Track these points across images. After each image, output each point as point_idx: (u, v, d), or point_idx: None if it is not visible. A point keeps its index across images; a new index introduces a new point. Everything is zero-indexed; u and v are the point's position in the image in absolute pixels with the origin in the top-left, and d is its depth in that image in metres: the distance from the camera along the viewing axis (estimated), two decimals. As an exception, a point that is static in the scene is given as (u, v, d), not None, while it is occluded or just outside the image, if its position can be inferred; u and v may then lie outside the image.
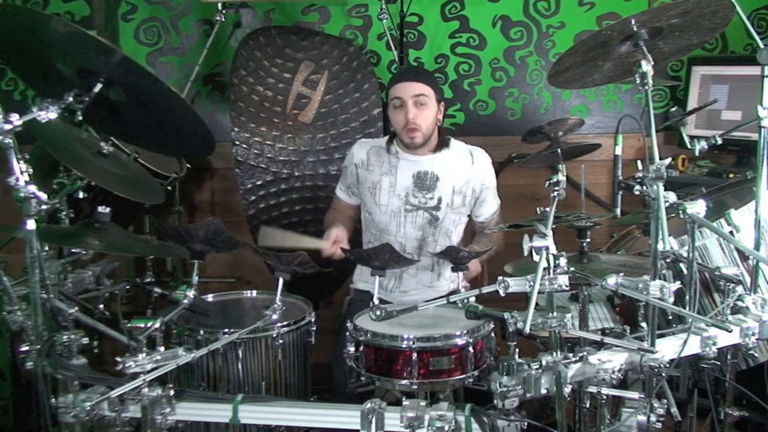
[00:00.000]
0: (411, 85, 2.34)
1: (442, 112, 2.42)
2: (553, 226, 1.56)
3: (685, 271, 1.71)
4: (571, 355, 1.50)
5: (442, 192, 2.42)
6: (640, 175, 1.55)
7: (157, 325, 1.56)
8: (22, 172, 1.46)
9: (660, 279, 1.51)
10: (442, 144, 2.44)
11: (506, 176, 3.21)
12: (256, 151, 2.89)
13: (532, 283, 1.46)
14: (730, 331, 1.59)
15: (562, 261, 1.49)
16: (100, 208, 1.79)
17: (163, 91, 1.63)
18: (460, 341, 1.76)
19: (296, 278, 1.88)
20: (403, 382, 1.74)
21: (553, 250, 1.46)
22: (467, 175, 2.46)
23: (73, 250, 1.98)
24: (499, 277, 1.53)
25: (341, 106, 2.96)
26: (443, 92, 2.48)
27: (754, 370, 1.97)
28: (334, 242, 2.30)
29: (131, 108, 1.68)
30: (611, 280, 1.53)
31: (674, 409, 1.70)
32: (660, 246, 1.52)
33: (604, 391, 1.63)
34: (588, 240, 1.88)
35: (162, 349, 1.59)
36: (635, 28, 1.62)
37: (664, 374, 1.54)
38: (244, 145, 2.88)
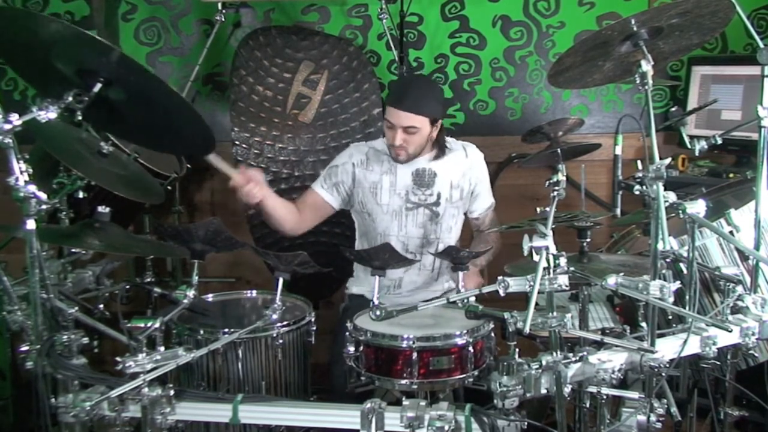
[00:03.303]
0: (402, 115, 2.30)
1: (439, 127, 2.38)
2: (553, 226, 1.56)
3: (685, 271, 1.71)
4: (571, 355, 1.50)
5: (440, 187, 2.44)
6: (640, 175, 1.55)
7: (157, 325, 1.56)
8: (22, 172, 1.46)
9: (660, 279, 1.51)
10: (441, 153, 2.45)
11: (506, 176, 3.22)
12: (256, 151, 2.89)
13: (532, 283, 1.46)
14: (730, 331, 1.59)
15: (562, 261, 1.49)
16: (100, 208, 1.79)
17: (162, 90, 1.63)
18: (460, 341, 1.76)
19: (296, 278, 1.89)
20: (403, 381, 1.75)
21: (553, 250, 1.46)
22: (463, 169, 2.48)
23: (73, 250, 1.98)
24: (499, 277, 1.53)
25: (341, 106, 2.96)
26: (442, 108, 2.39)
27: (754, 370, 1.97)
28: (249, 180, 2.21)
29: (131, 107, 1.68)
30: (611, 280, 1.53)
31: (674, 409, 1.70)
32: (660, 246, 1.52)
33: (604, 391, 1.63)
34: (588, 240, 1.88)
35: (162, 349, 1.59)
36: (635, 28, 1.62)
37: (664, 374, 1.54)
38: (244, 145, 2.88)
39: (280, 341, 1.90)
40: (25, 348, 1.58)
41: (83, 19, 3.17)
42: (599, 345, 1.58)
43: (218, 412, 1.61)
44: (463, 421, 1.52)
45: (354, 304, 2.50)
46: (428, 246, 2.45)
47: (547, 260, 1.45)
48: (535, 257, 1.45)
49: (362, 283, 2.54)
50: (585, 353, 1.51)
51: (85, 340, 1.64)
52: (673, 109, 2.07)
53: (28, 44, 1.57)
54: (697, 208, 1.57)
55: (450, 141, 2.52)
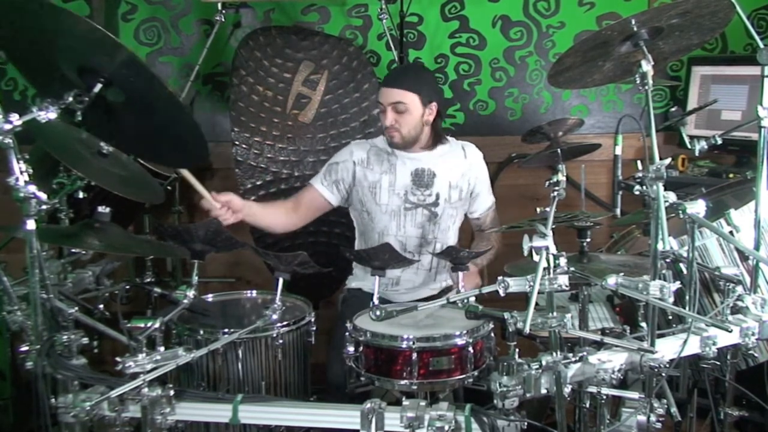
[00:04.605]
0: (390, 91, 2.34)
1: (434, 111, 2.38)
2: (553, 226, 1.56)
3: (685, 271, 1.71)
4: (571, 355, 1.50)
5: (439, 188, 2.44)
6: (640, 175, 1.55)
7: (157, 325, 1.56)
8: (22, 172, 1.46)
9: (660, 279, 1.51)
10: (437, 141, 2.45)
11: (506, 176, 3.22)
12: (256, 151, 2.89)
13: (532, 283, 1.46)
14: (729, 331, 1.59)
15: (562, 261, 1.49)
16: (100, 208, 1.79)
17: (162, 93, 1.62)
18: (459, 341, 1.76)
19: (296, 278, 1.88)
20: (403, 382, 1.74)
21: (553, 250, 1.46)
22: (462, 169, 2.48)
23: (73, 250, 1.98)
24: (499, 277, 1.53)
25: (341, 106, 2.96)
26: (434, 91, 2.41)
27: (754, 370, 1.97)
28: (224, 204, 2.22)
29: (128, 111, 1.68)
30: (611, 280, 1.53)
31: (674, 409, 1.70)
32: (660, 246, 1.52)
33: (604, 391, 1.63)
34: (588, 240, 1.88)
35: (162, 349, 1.59)
36: (635, 28, 1.62)
37: (664, 374, 1.54)
38: (244, 145, 2.88)
39: (280, 341, 1.90)
40: (25, 348, 1.57)
41: (83, 19, 3.16)
42: (599, 345, 1.58)
43: (218, 412, 1.61)
44: (463, 421, 1.52)
45: (352, 296, 2.52)
46: (426, 246, 2.45)
47: (547, 260, 1.45)
48: (535, 257, 1.45)
49: (361, 279, 2.54)
50: (585, 353, 1.51)
51: (85, 340, 1.64)
52: (673, 109, 2.08)
53: (34, 36, 1.55)
54: (697, 208, 1.57)
55: (449, 140, 2.52)
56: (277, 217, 2.45)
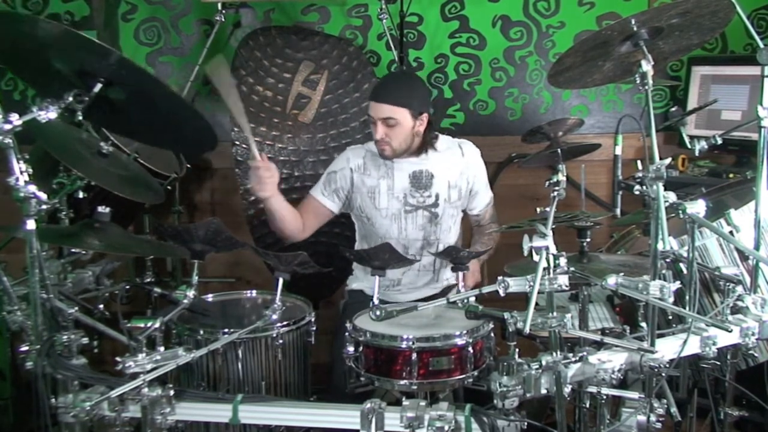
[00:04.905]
0: (380, 107, 2.31)
1: (425, 122, 2.35)
2: (553, 226, 1.56)
3: (685, 271, 1.71)
4: (571, 355, 1.50)
5: (438, 188, 2.43)
6: (640, 175, 1.55)
7: (157, 325, 1.56)
8: (22, 172, 1.46)
9: (660, 279, 1.51)
10: (426, 146, 2.42)
11: (506, 176, 3.22)
12: (256, 151, 2.89)
13: (532, 283, 1.46)
14: (729, 331, 1.59)
15: (562, 261, 1.49)
16: (100, 208, 1.79)
17: (162, 91, 1.63)
18: (459, 341, 1.76)
19: (296, 278, 1.89)
20: (403, 382, 1.74)
21: (553, 250, 1.46)
22: (460, 168, 2.47)
23: (73, 250, 1.98)
24: (499, 277, 1.53)
25: (341, 106, 2.96)
26: (425, 102, 2.37)
27: (754, 370, 1.97)
28: (267, 167, 2.26)
29: (132, 106, 1.69)
30: (611, 280, 1.53)
31: (674, 409, 1.70)
32: (660, 246, 1.52)
33: (604, 391, 1.63)
34: (588, 240, 1.88)
35: (162, 349, 1.59)
36: (635, 28, 1.62)
37: (664, 374, 1.54)
38: (244, 145, 2.88)
39: (280, 341, 1.90)
40: (25, 348, 1.58)
41: (83, 20, 3.17)
42: (599, 345, 1.58)
43: (218, 412, 1.61)
44: (463, 421, 1.52)
45: (353, 300, 2.50)
46: (429, 247, 2.44)
47: (547, 260, 1.45)
48: (535, 257, 1.45)
49: (361, 280, 2.54)
50: (585, 353, 1.51)
51: (85, 340, 1.64)
52: (673, 109, 2.07)
53: (27, 47, 1.57)
54: (697, 208, 1.57)
55: (446, 139, 2.51)
56: (291, 216, 2.42)
